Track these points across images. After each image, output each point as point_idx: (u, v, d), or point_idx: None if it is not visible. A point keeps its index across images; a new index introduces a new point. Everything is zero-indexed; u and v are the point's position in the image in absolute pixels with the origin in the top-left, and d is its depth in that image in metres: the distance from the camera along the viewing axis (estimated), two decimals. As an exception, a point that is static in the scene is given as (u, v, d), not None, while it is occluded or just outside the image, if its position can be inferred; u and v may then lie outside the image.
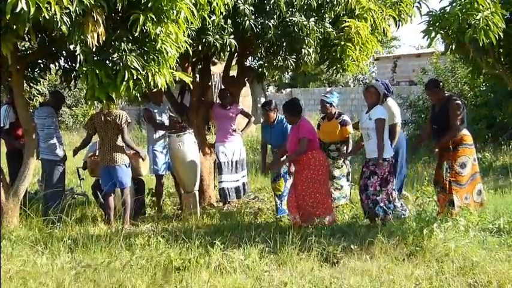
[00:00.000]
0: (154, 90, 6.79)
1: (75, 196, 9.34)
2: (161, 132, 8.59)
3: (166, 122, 8.67)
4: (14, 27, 5.52)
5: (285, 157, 7.75)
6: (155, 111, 8.59)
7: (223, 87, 9.58)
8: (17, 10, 5.07)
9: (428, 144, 8.06)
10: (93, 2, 5.60)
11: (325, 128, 8.45)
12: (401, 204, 7.27)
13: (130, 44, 6.22)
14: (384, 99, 7.79)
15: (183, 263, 5.65)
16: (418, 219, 6.63)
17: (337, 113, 8.45)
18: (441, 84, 7.69)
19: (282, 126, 8.12)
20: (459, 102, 7.41)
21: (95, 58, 6.20)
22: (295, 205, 7.28)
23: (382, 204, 7.08)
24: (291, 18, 7.62)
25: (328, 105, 8.41)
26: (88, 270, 5.32)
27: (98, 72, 6.07)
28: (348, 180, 8.51)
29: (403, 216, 7.08)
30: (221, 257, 5.79)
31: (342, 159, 8.32)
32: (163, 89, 6.67)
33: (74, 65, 7.38)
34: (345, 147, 8.39)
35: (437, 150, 7.68)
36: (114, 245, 6.19)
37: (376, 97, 7.35)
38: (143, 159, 8.16)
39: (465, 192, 7.38)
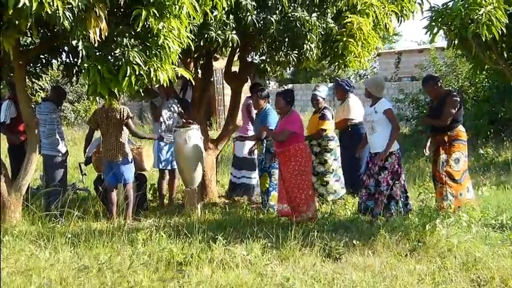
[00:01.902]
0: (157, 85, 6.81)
1: (77, 191, 9.34)
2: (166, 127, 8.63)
3: (167, 117, 8.69)
4: (16, 22, 5.52)
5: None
6: (161, 105, 8.66)
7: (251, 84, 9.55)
8: (19, 5, 5.08)
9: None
10: (95, -3, 5.60)
11: (310, 123, 8.54)
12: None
13: (132, 40, 6.21)
14: (346, 95, 8.78)
15: (186, 258, 5.67)
16: (421, 214, 6.63)
17: (322, 106, 8.50)
18: (439, 79, 7.75)
19: (263, 116, 8.12)
20: (457, 99, 7.45)
21: (97, 53, 6.19)
22: (285, 196, 7.31)
23: (397, 198, 7.08)
24: (293, 13, 7.60)
25: (321, 99, 8.49)
26: (91, 267, 5.34)
27: (99, 67, 6.06)
28: (334, 176, 8.46)
29: (410, 210, 7.12)
30: (223, 253, 5.79)
31: (326, 155, 8.33)
32: (165, 85, 6.66)
33: (76, 60, 7.39)
34: (330, 143, 8.35)
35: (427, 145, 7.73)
36: (117, 240, 6.21)
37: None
38: (162, 139, 8.18)
39: (460, 189, 7.39)
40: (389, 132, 7.11)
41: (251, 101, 8.79)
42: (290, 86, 26.73)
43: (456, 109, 7.40)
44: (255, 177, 8.99)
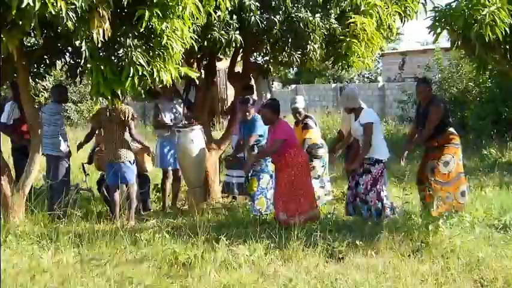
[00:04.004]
0: (160, 86, 6.81)
1: (80, 192, 9.35)
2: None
3: (170, 118, 8.67)
4: (20, 22, 5.52)
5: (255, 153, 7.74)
6: (164, 107, 8.64)
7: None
8: (23, 5, 5.08)
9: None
10: (98, -2, 5.61)
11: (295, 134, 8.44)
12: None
13: (135, 40, 6.20)
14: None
15: (189, 258, 5.67)
16: (424, 215, 6.62)
17: (303, 116, 8.44)
18: (431, 84, 7.74)
19: (252, 123, 7.98)
20: (440, 106, 7.37)
21: (100, 54, 6.20)
22: (280, 203, 7.26)
23: (371, 204, 7.13)
24: (296, 14, 7.60)
25: (302, 110, 8.41)
26: (94, 265, 5.35)
27: (103, 68, 6.07)
28: (320, 182, 8.39)
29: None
30: (226, 253, 5.79)
31: (315, 161, 8.31)
32: (168, 85, 6.67)
33: (79, 60, 7.38)
34: (319, 150, 8.31)
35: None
36: (120, 241, 6.21)
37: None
38: (149, 155, 8.14)
39: (446, 192, 7.31)
40: (376, 140, 7.17)
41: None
42: (293, 86, 26.75)
43: (439, 117, 7.34)
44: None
